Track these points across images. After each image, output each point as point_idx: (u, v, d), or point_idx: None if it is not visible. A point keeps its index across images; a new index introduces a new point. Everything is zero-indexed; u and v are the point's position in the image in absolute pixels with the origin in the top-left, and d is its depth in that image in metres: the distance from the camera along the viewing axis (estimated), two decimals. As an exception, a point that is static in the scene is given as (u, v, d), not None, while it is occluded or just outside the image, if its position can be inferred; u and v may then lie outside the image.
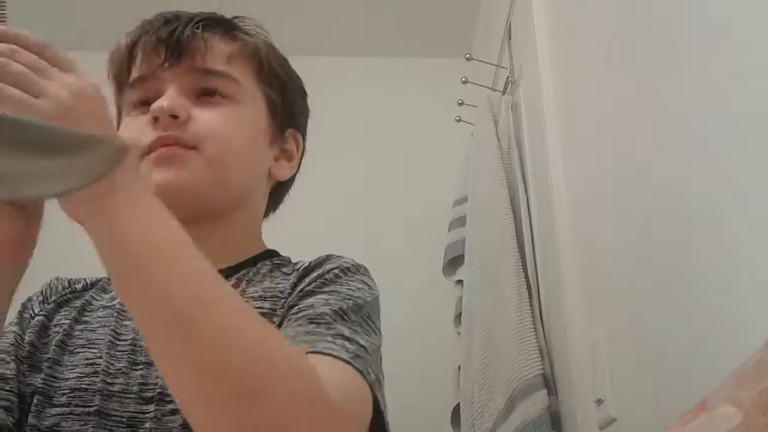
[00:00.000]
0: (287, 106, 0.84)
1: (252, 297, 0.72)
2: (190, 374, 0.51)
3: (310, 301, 0.67)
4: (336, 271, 0.71)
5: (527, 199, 1.46)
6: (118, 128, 0.78)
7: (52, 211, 0.54)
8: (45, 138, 0.41)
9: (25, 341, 0.73)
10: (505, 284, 1.35)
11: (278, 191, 0.86)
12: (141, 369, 0.68)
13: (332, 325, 0.63)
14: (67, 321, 0.75)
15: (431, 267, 1.81)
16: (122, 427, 0.65)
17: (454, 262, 1.74)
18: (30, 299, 0.78)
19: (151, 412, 0.65)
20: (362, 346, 0.63)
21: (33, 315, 0.76)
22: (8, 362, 0.71)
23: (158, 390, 0.66)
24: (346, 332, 0.63)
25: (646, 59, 0.93)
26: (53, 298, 0.78)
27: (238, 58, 0.79)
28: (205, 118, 0.75)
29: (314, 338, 0.61)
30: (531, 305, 1.31)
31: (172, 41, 0.76)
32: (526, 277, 1.35)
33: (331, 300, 0.67)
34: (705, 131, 0.76)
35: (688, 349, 0.78)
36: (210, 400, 0.50)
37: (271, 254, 0.81)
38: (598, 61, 1.13)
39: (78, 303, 0.77)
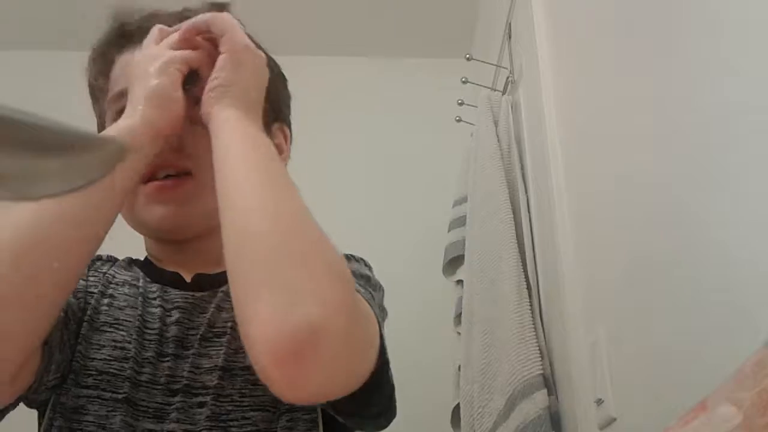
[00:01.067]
0: (271, 102, 0.82)
1: None
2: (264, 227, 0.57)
3: None
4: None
5: (527, 199, 1.46)
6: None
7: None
8: (45, 138, 0.40)
9: (76, 301, 0.72)
10: (505, 284, 1.35)
11: None
12: (168, 361, 0.69)
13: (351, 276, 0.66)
14: (96, 291, 0.74)
15: (431, 267, 1.81)
16: (148, 417, 0.66)
17: (454, 262, 1.74)
18: None
19: (177, 403, 0.66)
20: (370, 293, 0.66)
21: None
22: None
23: (185, 383, 0.67)
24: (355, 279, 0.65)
25: (646, 59, 0.93)
26: None
27: None
28: (197, 138, 0.73)
29: None
30: (531, 305, 1.31)
31: None
32: (526, 277, 1.35)
33: None
34: (705, 131, 0.76)
35: (688, 349, 0.78)
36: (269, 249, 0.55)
37: None
38: (598, 61, 1.13)
39: (104, 269, 0.77)
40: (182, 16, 0.78)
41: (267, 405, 0.66)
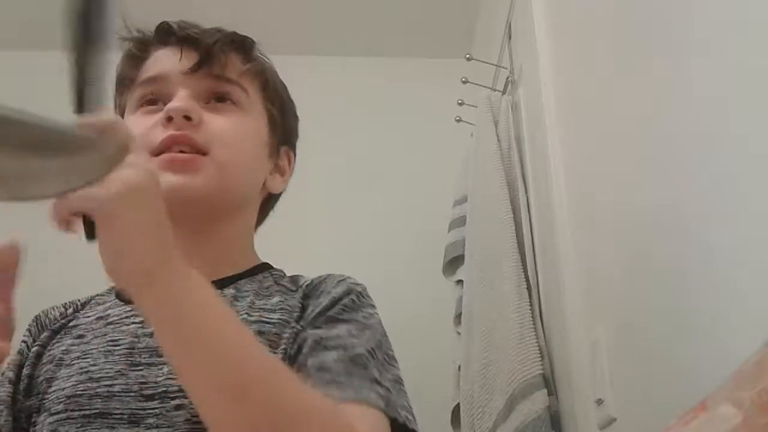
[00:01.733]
0: (284, 125, 0.88)
1: (263, 309, 0.74)
2: (237, 425, 0.56)
3: (335, 331, 0.70)
4: (352, 297, 0.75)
5: (527, 199, 1.46)
6: None
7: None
8: (45, 138, 0.40)
9: (23, 374, 0.75)
10: (505, 284, 1.35)
11: (266, 204, 0.89)
12: (141, 369, 0.69)
13: (367, 368, 0.68)
14: (64, 341, 0.76)
15: (431, 267, 1.81)
16: (124, 424, 0.66)
17: (454, 262, 1.74)
18: (27, 331, 0.80)
19: (154, 408, 0.66)
20: (388, 389, 0.68)
21: (30, 346, 0.78)
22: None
23: (161, 389, 0.67)
24: (377, 375, 0.68)
25: (646, 59, 0.93)
26: (50, 326, 0.80)
27: (249, 73, 0.83)
28: (216, 124, 0.78)
29: (354, 382, 0.66)
30: (531, 305, 1.31)
31: (192, 47, 0.80)
32: (526, 277, 1.35)
33: (355, 332, 0.71)
34: (705, 131, 0.76)
35: (688, 349, 0.78)
36: None
37: (267, 267, 0.83)
38: (598, 61, 1.13)
39: (71, 325, 0.79)
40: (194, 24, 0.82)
41: None
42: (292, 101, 0.91)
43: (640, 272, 0.93)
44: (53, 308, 0.82)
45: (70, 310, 0.82)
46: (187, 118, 0.75)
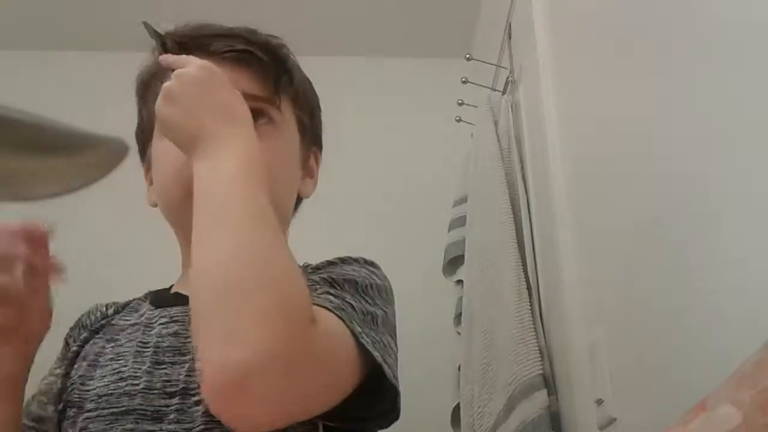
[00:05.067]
0: (314, 127, 0.89)
1: None
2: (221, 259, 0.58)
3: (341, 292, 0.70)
4: (336, 258, 0.76)
5: (527, 199, 1.46)
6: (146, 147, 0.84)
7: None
8: (45, 138, 0.41)
9: (68, 374, 0.78)
10: (505, 284, 1.35)
11: (296, 205, 0.90)
12: (165, 368, 0.72)
13: (319, 287, 0.68)
14: (100, 342, 0.79)
15: (431, 267, 1.81)
16: (148, 421, 0.69)
17: (454, 262, 1.74)
18: (71, 330, 0.84)
19: (176, 404, 0.69)
20: (349, 303, 0.67)
21: (71, 345, 0.82)
22: (46, 403, 0.77)
23: (182, 386, 0.69)
24: (333, 292, 0.68)
25: (646, 59, 0.93)
26: (90, 327, 0.83)
27: (282, 87, 0.82)
28: None
29: (345, 295, 0.67)
30: (531, 305, 1.31)
31: (223, 62, 0.77)
32: (526, 277, 1.35)
33: (324, 275, 0.71)
34: (705, 131, 0.76)
35: (688, 349, 0.78)
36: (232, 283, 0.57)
37: None
38: (598, 60, 1.13)
39: (110, 326, 0.82)
40: (231, 31, 0.82)
41: None
42: (316, 96, 0.90)
43: (640, 272, 0.93)
44: (96, 308, 0.85)
45: (110, 311, 0.84)
46: None
